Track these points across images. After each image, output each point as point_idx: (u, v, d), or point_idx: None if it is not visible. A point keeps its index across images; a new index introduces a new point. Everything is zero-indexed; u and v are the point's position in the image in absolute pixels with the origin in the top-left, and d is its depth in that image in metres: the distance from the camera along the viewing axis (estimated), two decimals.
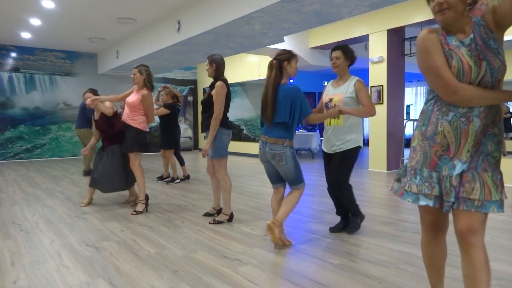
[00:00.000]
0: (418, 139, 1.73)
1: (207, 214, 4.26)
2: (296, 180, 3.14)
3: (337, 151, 3.39)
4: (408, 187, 1.73)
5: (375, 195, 5.44)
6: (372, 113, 3.28)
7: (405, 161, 8.19)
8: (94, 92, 7.69)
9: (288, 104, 3.01)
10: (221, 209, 4.18)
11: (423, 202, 1.68)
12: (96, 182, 4.70)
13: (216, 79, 3.85)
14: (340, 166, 3.39)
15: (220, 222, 3.95)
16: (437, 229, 1.80)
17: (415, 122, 8.02)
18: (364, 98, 3.32)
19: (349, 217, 3.59)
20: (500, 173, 1.63)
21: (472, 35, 1.55)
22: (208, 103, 3.85)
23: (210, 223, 3.95)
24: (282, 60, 3.08)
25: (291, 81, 3.31)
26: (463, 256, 1.65)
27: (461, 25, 1.57)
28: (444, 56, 1.56)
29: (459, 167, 1.61)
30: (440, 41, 1.58)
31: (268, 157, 3.12)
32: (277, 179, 3.25)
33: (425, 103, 1.74)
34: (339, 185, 3.42)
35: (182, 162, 6.76)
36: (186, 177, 6.80)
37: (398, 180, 1.82)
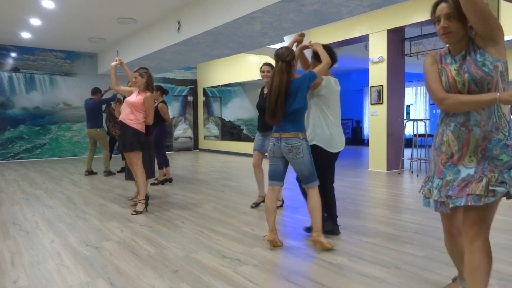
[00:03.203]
0: (432, 150, 1.98)
1: (256, 205, 4.73)
2: (312, 177, 3.12)
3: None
4: (422, 192, 2.00)
5: (375, 195, 5.44)
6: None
7: (405, 161, 8.22)
8: (99, 91, 7.73)
9: (303, 91, 3.06)
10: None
11: (425, 204, 1.96)
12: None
13: None
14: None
15: (257, 205, 4.68)
16: (451, 232, 2.03)
17: (416, 122, 7.99)
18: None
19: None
20: None
21: (463, 52, 1.78)
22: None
23: (252, 207, 4.66)
24: (291, 61, 3.09)
25: None
26: (468, 247, 1.79)
27: (461, 45, 1.79)
28: (437, 73, 1.86)
29: (464, 171, 1.78)
30: (436, 61, 1.89)
31: (284, 152, 3.10)
32: (279, 176, 3.21)
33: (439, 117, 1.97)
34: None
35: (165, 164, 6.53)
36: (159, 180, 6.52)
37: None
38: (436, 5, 1.79)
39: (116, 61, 4.72)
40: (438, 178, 1.88)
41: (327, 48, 3.41)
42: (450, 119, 1.82)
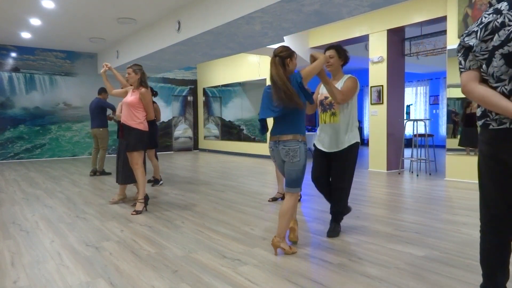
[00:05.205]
0: None
1: (274, 199, 5.10)
2: (298, 182, 3.02)
3: (338, 150, 3.39)
4: None
5: (375, 195, 5.44)
6: (339, 97, 3.22)
7: (405, 161, 8.21)
8: (104, 90, 7.75)
9: (299, 90, 2.98)
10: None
11: None
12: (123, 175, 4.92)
13: None
14: (344, 168, 3.41)
15: (276, 199, 5.05)
16: None
17: (416, 122, 7.96)
18: (344, 87, 3.32)
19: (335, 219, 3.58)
20: None
21: None
22: None
23: (269, 200, 5.02)
24: (285, 57, 3.02)
25: None
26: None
27: None
28: None
29: None
30: None
31: (282, 155, 3.02)
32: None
33: None
34: (344, 188, 3.46)
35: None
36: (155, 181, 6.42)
37: None
38: None
39: (104, 67, 4.74)
40: None
41: (341, 48, 3.48)
42: None
